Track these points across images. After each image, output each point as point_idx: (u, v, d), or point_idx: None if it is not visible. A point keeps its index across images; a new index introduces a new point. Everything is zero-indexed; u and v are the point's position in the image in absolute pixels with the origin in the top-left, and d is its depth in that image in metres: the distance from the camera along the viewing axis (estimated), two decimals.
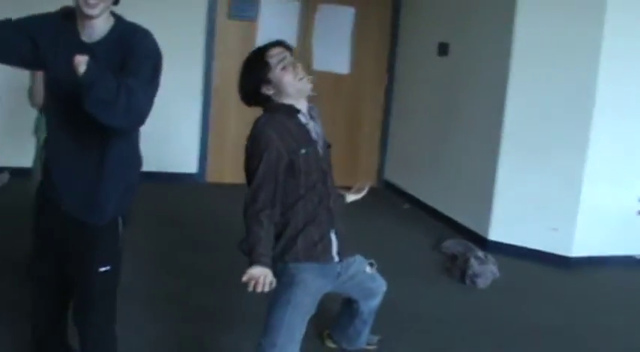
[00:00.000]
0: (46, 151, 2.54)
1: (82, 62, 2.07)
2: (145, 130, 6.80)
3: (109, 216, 2.49)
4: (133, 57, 2.27)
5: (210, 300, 4.02)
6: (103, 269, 2.49)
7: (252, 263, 2.47)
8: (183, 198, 6.52)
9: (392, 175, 7.64)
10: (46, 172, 2.55)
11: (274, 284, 2.50)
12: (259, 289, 2.44)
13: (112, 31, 2.34)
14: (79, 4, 2.23)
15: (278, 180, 2.60)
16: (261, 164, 2.58)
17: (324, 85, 7.31)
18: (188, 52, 6.93)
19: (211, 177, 7.13)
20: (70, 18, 2.34)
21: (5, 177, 4.45)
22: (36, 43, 2.33)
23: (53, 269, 2.59)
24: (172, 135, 7.08)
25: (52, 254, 2.58)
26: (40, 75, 3.40)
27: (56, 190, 2.50)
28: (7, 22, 2.35)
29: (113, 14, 2.38)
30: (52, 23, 2.37)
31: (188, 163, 7.22)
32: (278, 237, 2.66)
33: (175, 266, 4.56)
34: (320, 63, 7.31)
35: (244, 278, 2.44)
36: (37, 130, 3.93)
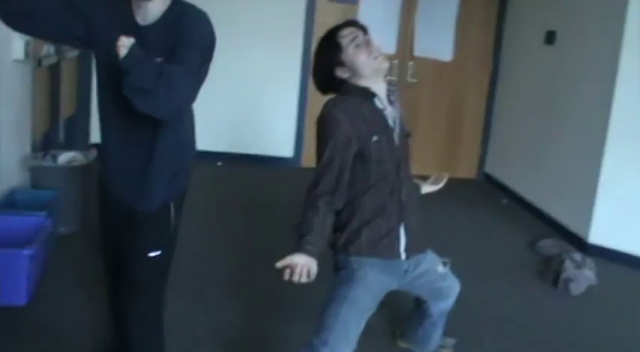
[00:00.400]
0: (100, 137, 2.52)
1: (124, 45, 2.01)
2: (241, 113, 6.94)
3: (158, 203, 2.44)
4: (182, 42, 2.18)
5: (286, 289, 3.94)
6: (152, 254, 2.45)
7: (296, 249, 2.34)
8: (276, 182, 6.51)
9: (492, 168, 7.32)
10: (100, 158, 2.53)
11: (313, 277, 2.35)
12: (296, 279, 2.31)
13: (167, 12, 2.26)
14: None
15: (344, 167, 2.45)
16: (327, 148, 2.44)
17: (426, 71, 7.13)
18: (287, 35, 6.90)
19: (307, 161, 7.07)
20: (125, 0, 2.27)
21: (94, 153, 4.52)
22: (89, 23, 2.28)
23: (111, 253, 2.60)
24: (269, 119, 7.09)
25: (110, 237, 2.59)
26: None
27: (108, 176, 2.49)
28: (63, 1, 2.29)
29: None
30: (106, 2, 2.31)
31: (284, 147, 7.20)
32: (343, 227, 2.53)
33: (260, 252, 4.51)
34: (422, 49, 7.11)
35: (279, 264, 2.31)
36: None
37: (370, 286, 2.51)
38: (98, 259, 2.75)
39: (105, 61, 2.30)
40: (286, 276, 2.31)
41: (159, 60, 2.15)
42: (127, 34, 2.15)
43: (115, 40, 2.10)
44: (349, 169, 2.47)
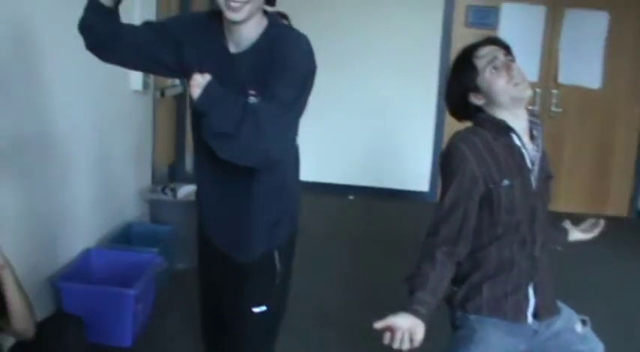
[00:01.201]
0: (195, 181, 2.30)
1: (197, 85, 1.78)
2: (375, 144, 6.66)
3: (259, 252, 2.17)
4: (276, 72, 1.89)
5: None
6: (256, 309, 2.18)
7: (404, 307, 1.97)
8: (411, 218, 6.13)
9: None
10: (197, 203, 2.31)
11: (417, 344, 1.96)
12: (396, 345, 1.92)
13: (262, 37, 1.98)
14: (222, 9, 1.89)
15: (468, 213, 2.07)
16: (450, 189, 2.08)
17: (571, 100, 6.63)
18: (422, 63, 6.60)
19: None
20: (218, 21, 2.02)
21: None
22: (179, 51, 2.06)
23: (212, 306, 2.38)
24: (403, 150, 6.79)
25: (211, 289, 2.37)
26: None
27: (205, 223, 2.27)
28: (149, 26, 2.12)
29: (268, 16, 2.02)
30: (198, 27, 2.07)
31: (419, 180, 6.86)
32: (462, 280, 2.15)
33: (389, 295, 4.17)
34: (567, 75, 6.60)
35: (379, 325, 1.93)
36: None
37: (492, 349, 2.11)
38: None
39: None
40: (386, 340, 1.94)
41: (251, 92, 1.90)
42: (218, 62, 1.95)
43: (206, 69, 1.88)
44: (475, 215, 2.10)
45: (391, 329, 1.93)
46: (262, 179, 2.07)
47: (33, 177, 3.12)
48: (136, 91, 4.22)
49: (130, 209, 4.31)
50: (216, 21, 2.01)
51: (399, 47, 6.60)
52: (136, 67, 2.20)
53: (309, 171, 6.29)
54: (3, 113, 2.81)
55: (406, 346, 1.93)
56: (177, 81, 5.15)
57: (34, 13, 2.94)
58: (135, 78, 4.12)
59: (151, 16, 4.18)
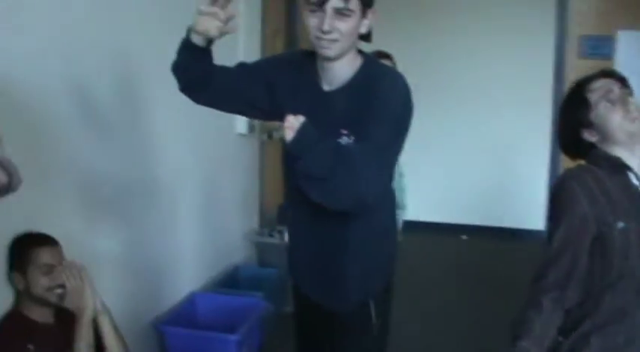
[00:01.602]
0: (288, 224, 2.22)
1: (290, 127, 1.72)
2: (488, 181, 6.40)
3: (354, 302, 2.06)
4: (371, 112, 1.80)
5: None
6: None
7: None
8: (527, 259, 5.83)
9: None
10: (289, 248, 2.23)
11: None
12: None
13: (356, 76, 1.90)
14: (314, 44, 1.85)
15: (578, 256, 1.87)
16: (559, 230, 1.90)
17: None
18: (535, 96, 6.32)
19: None
20: (311, 60, 1.96)
21: None
22: (272, 92, 2.01)
23: None
24: (518, 187, 6.50)
25: (306, 341, 2.28)
26: None
27: (296, 269, 2.19)
28: (242, 67, 2.08)
29: (364, 55, 1.95)
30: (291, 66, 2.02)
31: (535, 219, 6.50)
32: (570, 330, 1.94)
33: (491, 337, 3.93)
34: None
35: None
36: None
37: None
38: None
39: None
40: None
41: (344, 132, 1.83)
42: (311, 101, 1.90)
43: (299, 108, 1.83)
44: (585, 259, 1.89)
45: None
46: (356, 224, 1.97)
47: (138, 222, 3.15)
48: (242, 134, 4.24)
49: (237, 252, 4.30)
50: (310, 60, 1.96)
51: (509, 80, 6.38)
52: (228, 109, 2.15)
53: (421, 210, 6.20)
54: (108, 158, 2.86)
55: None
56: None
57: (141, 59, 3.01)
58: (240, 121, 4.15)
59: (256, 55, 4.22)
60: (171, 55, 1.97)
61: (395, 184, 3.63)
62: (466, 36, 6.39)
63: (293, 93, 1.98)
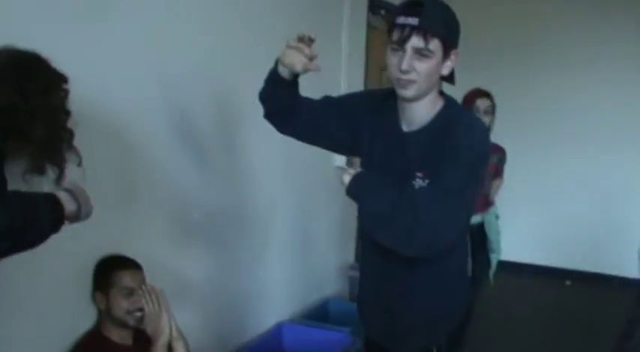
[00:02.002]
0: (360, 264, 2.20)
1: (348, 173, 1.76)
2: (595, 224, 6.09)
3: (417, 348, 2.01)
4: (446, 156, 1.76)
5: None
6: None
7: None
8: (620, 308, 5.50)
9: None
10: (359, 288, 2.20)
11: None
12: None
13: (436, 118, 1.86)
14: (394, 84, 1.83)
15: None
16: None
17: None
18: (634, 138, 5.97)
19: None
20: (393, 100, 1.94)
21: None
22: (355, 127, 2.02)
23: None
24: (628, 234, 6.12)
25: None
26: None
27: (362, 310, 2.16)
28: (327, 100, 2.10)
29: (445, 97, 1.91)
30: (373, 104, 2.02)
31: (630, 266, 6.11)
32: None
33: None
34: None
35: None
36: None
37: None
38: None
39: (366, 169, 1.99)
40: None
41: (418, 174, 1.80)
42: (389, 140, 1.90)
43: (377, 147, 1.89)
44: None
45: None
46: (424, 268, 1.92)
47: (227, 248, 3.20)
48: (340, 167, 4.23)
49: (329, 285, 4.28)
50: (391, 99, 1.95)
51: (616, 120, 6.02)
52: (309, 140, 2.17)
53: (521, 251, 5.96)
54: (201, 184, 2.94)
55: None
56: None
57: (239, 87, 3.06)
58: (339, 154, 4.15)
59: (359, 86, 4.23)
60: None
61: (489, 226, 3.54)
62: (573, 74, 6.14)
63: (372, 132, 1.98)
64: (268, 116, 2.09)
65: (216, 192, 3.06)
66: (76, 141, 1.71)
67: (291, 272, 3.85)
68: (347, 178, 1.76)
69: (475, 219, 3.49)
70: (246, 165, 3.30)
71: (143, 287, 2.29)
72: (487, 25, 6.10)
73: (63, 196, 1.49)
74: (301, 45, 1.81)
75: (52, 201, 1.45)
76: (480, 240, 3.53)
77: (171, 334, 2.29)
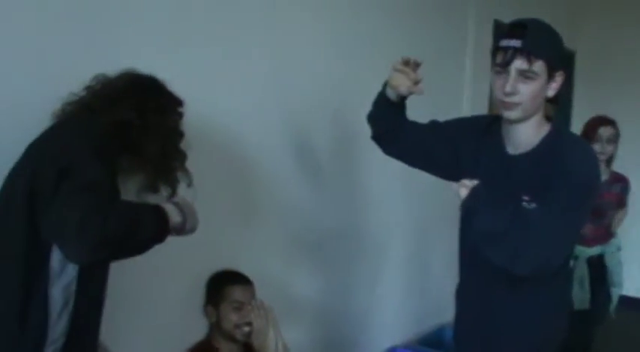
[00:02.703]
0: (457, 287, 2.16)
1: (464, 185, 1.74)
2: None
3: None
4: (558, 180, 1.72)
5: None
6: None
7: None
8: None
9: None
10: (455, 313, 2.16)
11: None
12: None
13: (543, 143, 1.84)
14: (499, 106, 1.83)
15: None
16: None
17: None
18: None
19: None
20: (498, 124, 1.95)
21: None
22: (456, 152, 2.03)
23: None
24: None
25: None
26: None
27: (456, 332, 2.15)
28: (433, 124, 2.13)
29: (552, 122, 1.89)
30: (478, 129, 2.02)
31: None
32: None
33: None
34: None
35: None
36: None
37: None
38: None
39: None
40: None
41: (525, 198, 1.78)
42: (494, 163, 1.89)
43: (481, 170, 1.87)
44: None
45: None
46: (526, 291, 1.88)
47: (341, 269, 3.24)
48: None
49: (445, 311, 4.20)
50: (497, 124, 1.95)
51: None
52: (412, 164, 2.21)
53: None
54: (317, 205, 3.01)
55: None
56: None
57: (359, 112, 3.08)
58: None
59: (483, 108, 4.17)
60: None
61: (610, 258, 3.37)
62: None
63: (476, 155, 1.98)
64: (375, 137, 2.18)
65: (332, 213, 3.12)
66: (192, 160, 1.79)
67: (406, 297, 3.82)
68: (464, 191, 1.74)
69: (594, 250, 3.37)
70: (364, 188, 3.33)
71: (253, 302, 2.35)
72: (612, 52, 5.90)
73: (169, 208, 1.55)
74: (407, 68, 1.88)
75: (158, 211, 1.51)
76: (600, 272, 3.39)
77: (276, 350, 2.33)
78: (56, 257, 1.42)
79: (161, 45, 2.17)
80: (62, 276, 1.43)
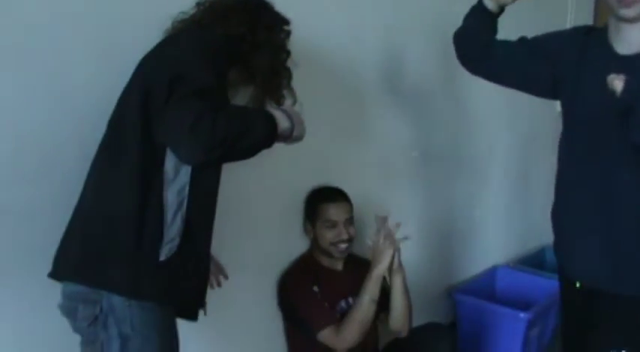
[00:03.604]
0: (557, 200, 2.10)
1: (618, 79, 1.65)
2: None
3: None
4: None
5: None
6: None
7: None
8: None
9: None
10: (555, 223, 2.12)
11: None
12: None
13: None
14: (612, 5, 1.77)
15: None
16: None
17: None
18: None
19: None
20: (599, 31, 1.90)
21: None
22: (555, 64, 1.96)
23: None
24: None
25: (572, 331, 2.16)
26: None
27: (562, 245, 2.07)
28: (523, 41, 2.05)
29: None
30: (576, 40, 1.95)
31: None
32: None
33: None
34: None
35: None
36: None
37: None
38: None
39: (572, 104, 1.95)
40: None
41: None
42: (603, 67, 1.78)
43: (593, 78, 1.80)
44: None
45: None
46: None
47: (444, 188, 3.29)
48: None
49: (546, 232, 4.17)
50: (597, 31, 1.90)
51: None
52: (505, 83, 2.14)
53: None
54: (420, 124, 3.04)
55: None
56: None
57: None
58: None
59: (588, 20, 4.03)
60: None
61: None
62: None
63: (578, 65, 1.91)
64: (463, 56, 2.12)
65: (434, 133, 3.15)
66: (299, 78, 1.85)
67: (509, 217, 3.83)
68: (619, 83, 1.65)
69: None
70: (467, 110, 3.33)
71: (378, 217, 2.38)
72: None
73: (278, 114, 1.60)
74: None
75: (268, 116, 1.56)
76: None
77: (391, 266, 2.39)
78: (170, 162, 1.51)
79: None
80: (175, 181, 1.53)
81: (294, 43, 1.85)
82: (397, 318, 2.49)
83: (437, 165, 3.21)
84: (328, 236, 2.42)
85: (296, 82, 1.84)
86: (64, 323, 1.59)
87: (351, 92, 2.66)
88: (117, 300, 1.48)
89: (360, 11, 2.61)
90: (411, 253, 3.00)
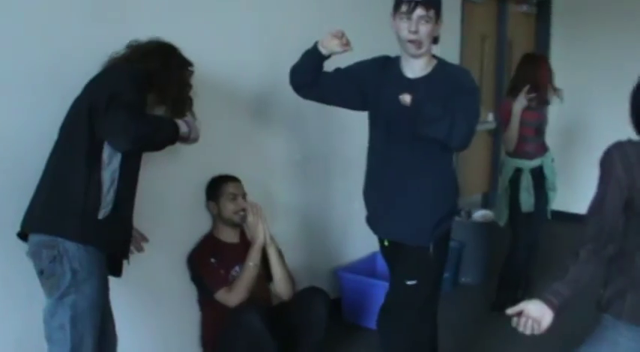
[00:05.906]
0: (367, 184, 2.90)
1: (407, 97, 2.46)
2: None
3: (425, 241, 2.70)
4: (459, 92, 2.54)
5: None
6: (409, 282, 2.72)
7: (539, 296, 2.14)
8: None
9: None
10: (364, 197, 2.93)
11: (540, 331, 2.11)
12: (520, 329, 2.12)
13: (435, 69, 2.64)
14: (407, 48, 2.59)
15: (612, 213, 2.15)
16: (596, 191, 2.18)
17: None
18: None
19: None
20: (394, 60, 2.73)
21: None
22: (362, 87, 2.75)
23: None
24: None
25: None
26: (514, 126, 3.96)
27: (371, 217, 2.89)
28: (337, 70, 2.79)
29: (435, 56, 2.68)
30: (377, 64, 2.76)
31: None
32: (608, 283, 2.23)
33: None
34: None
35: (510, 311, 2.14)
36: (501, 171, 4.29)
37: (618, 350, 2.22)
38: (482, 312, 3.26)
39: (380, 113, 2.74)
40: (513, 324, 2.15)
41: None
42: (396, 86, 2.60)
43: (389, 93, 2.59)
44: (620, 219, 2.16)
45: (523, 315, 2.14)
46: (441, 175, 2.72)
47: (324, 185, 4.03)
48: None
49: None
50: (392, 60, 2.74)
51: None
52: (329, 102, 2.90)
53: (573, 202, 5.21)
54: (300, 131, 3.78)
55: (529, 331, 2.14)
56: (490, 117, 5.75)
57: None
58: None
59: (454, 58, 4.76)
60: None
61: (547, 168, 4.06)
62: None
63: (380, 83, 2.70)
64: (297, 85, 2.79)
65: (312, 139, 3.86)
66: (199, 103, 2.58)
67: None
68: (407, 98, 2.47)
69: (535, 162, 4.10)
70: (340, 119, 3.90)
71: (248, 202, 3.12)
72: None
73: (180, 122, 2.38)
74: (339, 34, 2.62)
75: (173, 122, 2.35)
76: (540, 180, 4.12)
77: (265, 240, 3.12)
78: (106, 152, 2.21)
79: (175, 18, 2.90)
80: (110, 165, 2.22)
81: (196, 78, 2.58)
82: (278, 284, 3.25)
83: (317, 165, 3.91)
84: (230, 207, 3.11)
85: (197, 103, 2.56)
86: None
87: (242, 109, 3.37)
88: (70, 245, 2.17)
89: (242, 48, 3.29)
90: (297, 239, 3.71)
